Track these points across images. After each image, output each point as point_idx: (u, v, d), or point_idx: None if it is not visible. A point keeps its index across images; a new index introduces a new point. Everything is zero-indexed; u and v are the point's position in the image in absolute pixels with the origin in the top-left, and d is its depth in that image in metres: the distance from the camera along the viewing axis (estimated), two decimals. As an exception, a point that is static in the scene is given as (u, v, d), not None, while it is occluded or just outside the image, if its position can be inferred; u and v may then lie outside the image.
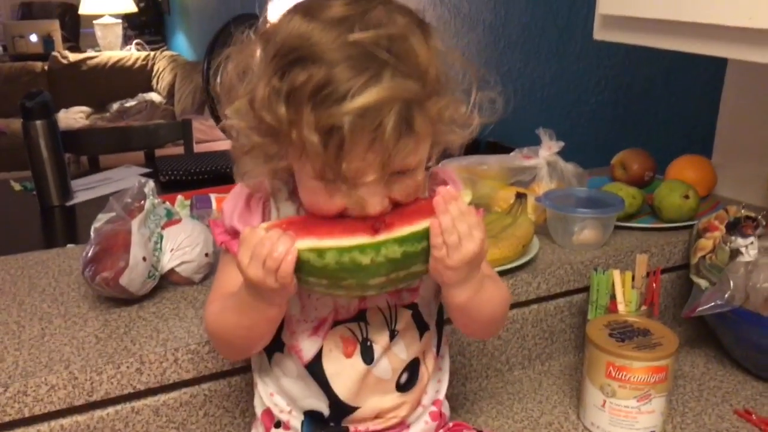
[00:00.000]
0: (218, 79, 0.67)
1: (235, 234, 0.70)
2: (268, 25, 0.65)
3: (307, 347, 0.72)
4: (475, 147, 2.22)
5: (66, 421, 0.79)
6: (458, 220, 0.63)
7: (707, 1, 0.92)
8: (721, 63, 1.34)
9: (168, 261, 0.95)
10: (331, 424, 0.75)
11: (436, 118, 0.63)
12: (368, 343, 0.73)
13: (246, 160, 0.68)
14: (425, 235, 0.63)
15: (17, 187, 2.05)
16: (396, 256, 0.62)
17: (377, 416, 0.75)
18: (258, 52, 0.64)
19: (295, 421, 0.76)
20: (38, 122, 1.80)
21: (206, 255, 0.98)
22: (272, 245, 0.61)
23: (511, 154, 1.26)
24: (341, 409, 0.74)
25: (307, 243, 0.62)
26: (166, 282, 0.98)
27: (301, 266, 0.62)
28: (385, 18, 0.60)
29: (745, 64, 0.92)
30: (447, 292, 0.68)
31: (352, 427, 0.75)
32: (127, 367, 0.80)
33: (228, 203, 0.72)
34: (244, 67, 0.65)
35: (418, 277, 0.69)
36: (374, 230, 0.62)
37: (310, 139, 0.58)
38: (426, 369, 0.77)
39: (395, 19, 0.61)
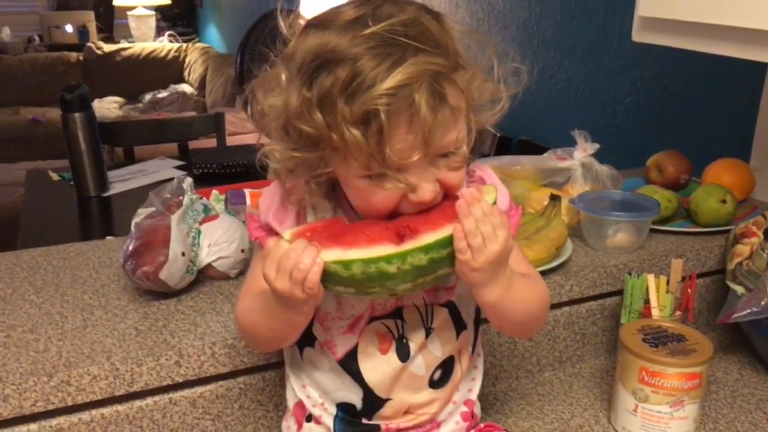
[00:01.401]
0: (249, 111, 0.69)
1: (270, 231, 0.71)
2: (288, 48, 0.66)
3: (342, 343, 0.73)
4: (507, 145, 2.22)
5: (107, 410, 0.81)
6: (481, 222, 0.63)
7: (749, 6, 0.91)
8: (760, 65, 1.31)
9: (205, 256, 0.97)
10: (363, 420, 0.76)
11: (466, 90, 0.64)
12: (404, 341, 0.73)
13: (290, 178, 0.69)
14: (450, 240, 0.64)
15: (55, 177, 2.09)
16: (422, 263, 0.63)
17: (407, 411, 0.76)
18: (283, 75, 0.65)
19: (328, 416, 0.77)
20: (77, 114, 1.84)
21: (242, 251, 0.99)
22: (298, 257, 0.62)
23: (545, 154, 1.26)
24: (374, 401, 0.75)
25: (332, 254, 0.62)
26: (203, 276, 0.99)
27: (327, 276, 0.63)
28: (396, 9, 0.62)
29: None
30: (476, 292, 0.69)
31: (383, 425, 0.76)
32: (167, 359, 0.82)
33: (264, 200, 0.74)
34: (272, 91, 0.67)
35: (446, 279, 0.70)
36: (399, 237, 0.63)
37: (350, 134, 0.59)
38: (460, 367, 0.78)
39: (405, 9, 0.63)
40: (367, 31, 0.60)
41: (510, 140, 2.14)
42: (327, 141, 0.62)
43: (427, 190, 0.64)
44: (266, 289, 0.68)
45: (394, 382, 0.74)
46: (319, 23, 0.63)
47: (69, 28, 6.01)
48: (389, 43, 0.59)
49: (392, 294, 0.66)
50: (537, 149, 1.64)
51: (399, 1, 0.64)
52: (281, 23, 0.67)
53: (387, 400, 0.74)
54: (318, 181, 0.69)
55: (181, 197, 1.00)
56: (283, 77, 0.65)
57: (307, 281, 0.62)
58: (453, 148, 0.64)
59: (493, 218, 0.64)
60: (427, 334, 0.74)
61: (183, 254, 0.92)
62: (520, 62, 0.70)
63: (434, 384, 0.76)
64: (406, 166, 0.61)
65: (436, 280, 0.67)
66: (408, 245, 0.62)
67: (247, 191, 1.29)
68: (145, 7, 5.88)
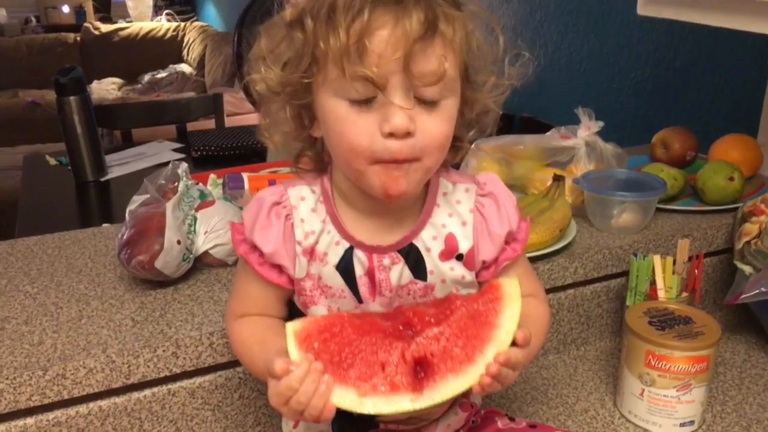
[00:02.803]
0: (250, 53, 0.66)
1: (254, 247, 0.69)
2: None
3: None
4: (510, 122, 2.19)
5: (104, 403, 0.80)
6: (504, 378, 0.62)
7: (760, -24, 0.88)
8: (769, 38, 1.28)
9: (202, 243, 0.95)
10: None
11: (462, 35, 0.62)
12: None
13: (271, 107, 0.67)
14: (470, 387, 0.61)
15: (52, 161, 2.08)
16: (436, 405, 0.62)
17: (410, 417, 0.74)
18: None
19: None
20: (72, 98, 1.81)
21: (239, 237, 0.98)
22: (309, 401, 0.59)
23: (548, 133, 1.23)
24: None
25: (346, 399, 0.59)
26: (200, 264, 0.98)
27: (338, 409, 0.60)
28: None
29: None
30: None
31: (382, 425, 0.74)
32: (164, 350, 0.81)
33: (248, 213, 0.70)
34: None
35: None
36: (417, 379, 0.60)
37: (333, 20, 0.58)
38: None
39: None
40: None
41: (512, 117, 2.11)
42: (309, 47, 0.61)
43: (400, 118, 0.59)
44: (264, 325, 0.70)
45: None
46: None
47: (66, 9, 5.96)
48: None
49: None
50: (540, 126, 1.61)
51: None
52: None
53: None
54: (301, 121, 0.67)
55: (176, 183, 0.98)
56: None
57: (318, 421, 0.60)
58: (434, 83, 0.60)
59: (515, 365, 0.62)
60: None
61: (179, 242, 0.90)
62: (524, 50, 0.67)
63: None
64: (383, 82, 0.58)
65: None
66: (426, 399, 0.60)
67: (245, 175, 1.26)
68: (141, -15, 5.81)
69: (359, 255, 0.68)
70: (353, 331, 0.63)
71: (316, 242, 0.68)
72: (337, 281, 0.69)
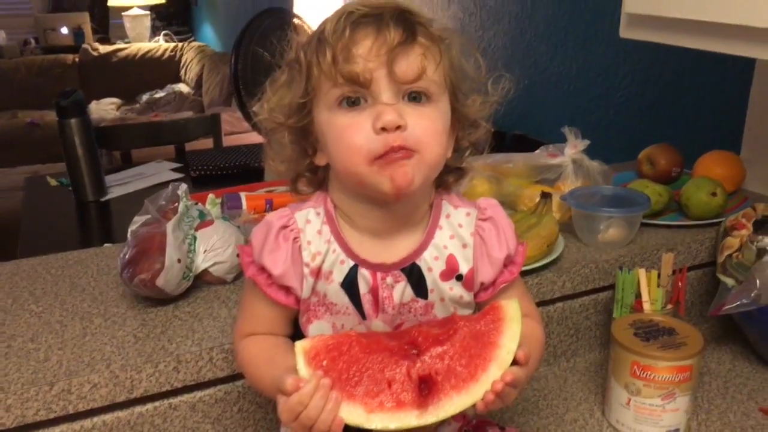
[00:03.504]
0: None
1: (263, 269, 0.72)
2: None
3: None
4: (502, 140, 2.23)
5: (108, 417, 0.83)
6: (506, 396, 0.65)
7: (732, 2, 0.92)
8: (750, 59, 1.32)
9: (201, 262, 0.99)
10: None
11: (441, 48, 0.67)
12: None
13: (275, 137, 0.72)
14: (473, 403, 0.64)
15: (53, 182, 2.11)
16: (440, 422, 0.64)
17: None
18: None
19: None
20: (73, 120, 1.85)
21: (238, 255, 1.01)
22: (317, 415, 0.61)
23: (537, 152, 1.27)
24: None
25: (354, 415, 0.62)
26: (200, 282, 1.01)
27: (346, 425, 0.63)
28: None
29: (774, 61, 0.92)
30: None
31: None
32: (165, 366, 0.84)
33: (257, 235, 0.73)
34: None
35: None
36: (422, 396, 0.63)
37: (322, 43, 0.65)
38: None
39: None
40: (349, 7, 0.65)
41: (504, 135, 2.15)
42: (304, 72, 0.67)
43: (389, 114, 0.63)
44: (272, 344, 0.73)
45: None
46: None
47: (64, 30, 6.02)
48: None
49: None
50: (531, 143, 1.65)
51: None
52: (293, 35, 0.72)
53: None
54: (303, 137, 0.71)
55: (176, 204, 1.02)
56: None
57: None
58: (417, 79, 0.65)
59: (517, 384, 0.65)
60: None
61: (179, 261, 0.93)
62: (503, 71, 0.72)
63: None
64: (368, 78, 0.64)
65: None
66: (431, 416, 0.63)
67: (242, 195, 1.30)
68: (139, 7, 5.89)
69: (364, 273, 0.71)
70: (360, 350, 0.65)
71: (323, 262, 0.71)
72: (342, 299, 0.72)
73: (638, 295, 1.02)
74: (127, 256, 0.94)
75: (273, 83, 0.71)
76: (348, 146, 0.65)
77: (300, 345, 0.65)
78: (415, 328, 0.70)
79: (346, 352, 0.65)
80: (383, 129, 0.64)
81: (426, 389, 0.63)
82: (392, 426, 0.62)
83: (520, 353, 0.65)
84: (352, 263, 0.71)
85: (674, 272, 1.05)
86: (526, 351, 0.66)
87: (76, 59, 5.39)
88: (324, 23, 0.68)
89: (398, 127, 0.64)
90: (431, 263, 0.73)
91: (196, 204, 1.07)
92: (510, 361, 0.65)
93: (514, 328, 0.66)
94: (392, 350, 0.66)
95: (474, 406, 0.64)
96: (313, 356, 0.65)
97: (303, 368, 0.64)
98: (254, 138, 2.80)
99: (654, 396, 0.89)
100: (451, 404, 0.63)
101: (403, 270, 0.72)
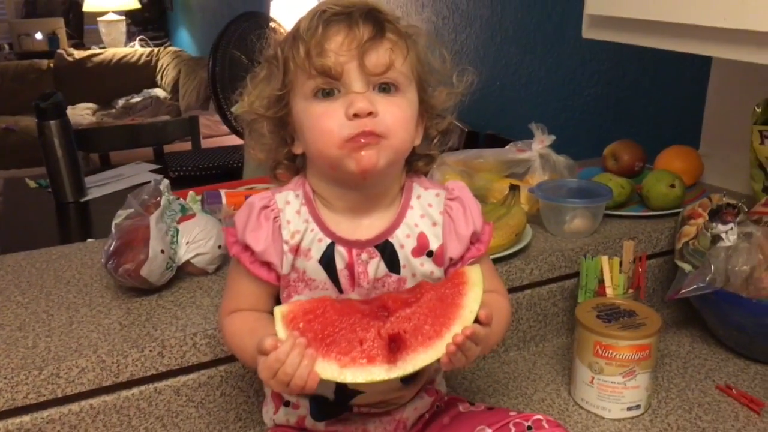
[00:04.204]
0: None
1: (246, 247, 0.77)
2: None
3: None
4: (475, 139, 2.29)
5: (95, 401, 0.86)
6: (467, 350, 0.69)
7: (686, 3, 0.98)
8: (706, 58, 1.39)
9: (184, 253, 1.02)
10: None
11: (408, 44, 0.72)
12: None
13: (255, 127, 0.77)
14: (438, 358, 0.69)
15: (32, 184, 2.12)
16: (408, 375, 0.69)
17: (380, 401, 0.81)
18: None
19: (303, 400, 0.82)
20: (52, 122, 1.87)
21: (219, 247, 1.05)
22: (295, 372, 0.65)
23: (506, 147, 1.33)
24: (346, 395, 0.79)
25: (328, 371, 0.67)
26: (182, 273, 1.04)
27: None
28: None
29: (729, 59, 0.98)
30: None
31: (355, 409, 0.81)
32: (150, 350, 0.87)
33: (240, 216, 0.77)
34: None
35: None
36: (392, 353, 0.68)
37: (297, 39, 0.71)
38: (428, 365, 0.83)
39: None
40: (322, 6, 0.71)
41: (477, 135, 2.21)
42: (281, 67, 0.73)
43: (360, 101, 0.69)
44: (254, 317, 0.77)
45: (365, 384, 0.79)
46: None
47: (39, 36, 5.98)
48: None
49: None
50: (503, 142, 1.71)
51: None
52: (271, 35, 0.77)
53: (360, 393, 0.79)
54: (281, 129, 0.77)
55: (158, 198, 1.05)
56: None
57: (303, 390, 0.66)
58: (386, 71, 0.70)
59: (478, 339, 0.69)
60: None
61: (162, 252, 0.97)
62: (469, 64, 0.78)
63: (405, 381, 0.80)
64: (339, 71, 0.69)
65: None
66: (400, 370, 0.67)
67: (222, 191, 1.33)
68: (115, 12, 5.87)
69: (340, 250, 0.76)
70: (334, 313, 0.70)
71: (301, 240, 0.76)
72: (320, 275, 0.76)
73: (601, 281, 1.08)
74: (111, 248, 0.97)
75: (253, 78, 0.77)
76: (321, 131, 0.71)
77: (278, 309, 0.70)
78: (386, 294, 0.75)
79: (321, 315, 0.70)
80: (355, 115, 0.69)
81: (395, 347, 0.68)
82: (363, 379, 0.67)
83: (481, 313, 0.70)
84: (329, 241, 0.76)
85: (635, 260, 1.10)
86: (487, 312, 0.70)
87: (51, 65, 5.36)
88: (299, 22, 0.73)
89: (369, 114, 0.69)
90: (403, 240, 0.77)
91: (178, 199, 1.10)
92: (472, 320, 0.70)
93: (476, 290, 0.71)
94: (364, 313, 0.71)
95: (439, 361, 0.68)
96: (291, 319, 0.69)
97: (281, 330, 0.69)
98: (232, 140, 2.83)
99: (615, 374, 0.94)
100: (417, 359, 0.68)
101: (377, 247, 0.76)
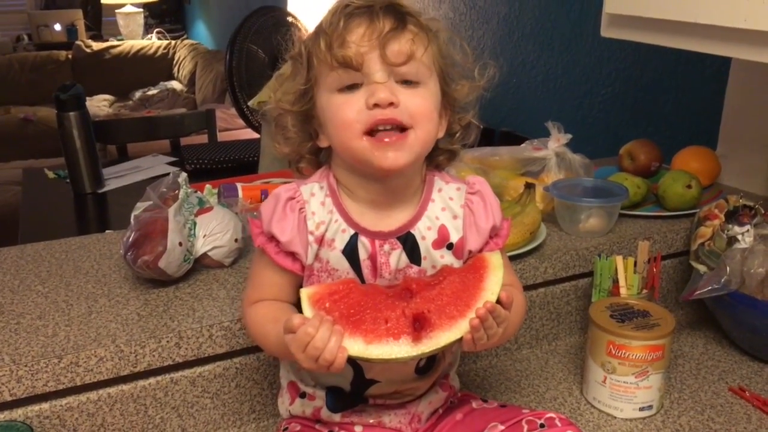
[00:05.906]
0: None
1: (272, 238, 0.78)
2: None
3: None
4: (491, 136, 2.29)
5: (113, 390, 0.88)
6: (489, 328, 0.70)
7: (707, 3, 0.97)
8: (725, 58, 1.38)
9: (201, 246, 1.03)
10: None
11: (430, 37, 0.73)
12: None
13: (281, 122, 0.79)
14: (461, 337, 0.70)
15: (51, 175, 2.15)
16: (433, 353, 0.71)
17: (395, 392, 0.82)
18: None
19: (320, 390, 0.83)
20: (72, 113, 1.89)
21: (236, 240, 1.06)
22: (324, 347, 0.67)
23: (522, 145, 1.33)
24: (361, 385, 0.81)
25: (355, 347, 0.68)
26: (199, 265, 1.06)
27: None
28: None
29: (748, 60, 0.98)
30: None
31: (371, 400, 0.82)
32: (167, 341, 0.88)
33: (266, 207, 0.79)
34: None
35: None
36: (416, 331, 0.69)
37: (320, 34, 0.72)
38: (443, 356, 0.84)
39: None
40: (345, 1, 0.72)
41: (493, 132, 2.21)
42: (305, 63, 0.74)
43: (381, 91, 0.70)
44: (277, 306, 0.78)
45: (383, 370, 0.80)
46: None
47: (57, 27, 6.04)
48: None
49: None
50: (518, 139, 1.71)
51: None
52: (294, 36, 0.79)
53: (376, 382, 0.80)
54: (307, 123, 0.78)
55: (176, 191, 1.06)
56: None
57: (332, 367, 0.67)
58: (407, 61, 0.71)
59: (499, 319, 0.71)
60: None
61: (180, 244, 0.98)
62: (489, 59, 0.79)
63: (420, 371, 0.81)
64: (360, 61, 0.70)
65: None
66: (424, 347, 0.69)
67: (239, 185, 1.35)
68: (133, 4, 5.91)
69: (363, 240, 0.77)
70: (359, 294, 0.72)
71: (326, 230, 0.77)
72: (343, 264, 0.77)
73: (615, 281, 1.08)
74: (130, 239, 0.98)
75: (279, 76, 0.79)
76: (342, 121, 0.72)
77: (305, 291, 0.72)
78: (409, 277, 0.77)
79: (346, 296, 0.72)
80: (376, 105, 0.70)
81: (419, 325, 0.69)
82: (388, 355, 0.68)
83: (502, 294, 0.71)
84: (352, 232, 0.77)
85: (650, 260, 1.10)
86: (509, 293, 0.72)
87: (69, 56, 5.41)
88: (323, 18, 0.74)
89: (390, 104, 0.70)
90: (424, 232, 0.79)
91: (196, 192, 1.12)
92: (494, 300, 0.71)
93: (498, 274, 0.73)
94: (388, 294, 0.73)
95: (461, 341, 0.70)
96: (317, 300, 0.71)
97: (308, 309, 0.70)
98: (248, 134, 2.85)
99: (628, 374, 0.95)
100: (441, 337, 0.69)
101: (398, 238, 0.78)
